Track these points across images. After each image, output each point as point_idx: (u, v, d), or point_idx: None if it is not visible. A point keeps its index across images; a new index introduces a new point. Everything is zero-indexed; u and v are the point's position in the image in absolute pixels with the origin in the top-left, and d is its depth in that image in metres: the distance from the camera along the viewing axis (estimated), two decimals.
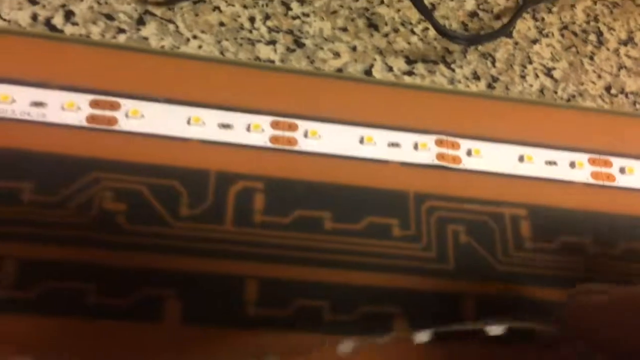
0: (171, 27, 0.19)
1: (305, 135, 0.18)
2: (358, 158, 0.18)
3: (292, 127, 0.18)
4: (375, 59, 0.20)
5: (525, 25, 0.22)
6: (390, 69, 0.20)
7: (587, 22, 0.23)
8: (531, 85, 0.21)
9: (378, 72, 0.20)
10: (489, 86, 0.21)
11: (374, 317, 0.16)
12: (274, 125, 0.18)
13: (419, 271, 0.17)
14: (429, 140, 0.19)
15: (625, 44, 0.23)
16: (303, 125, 0.18)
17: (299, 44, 0.20)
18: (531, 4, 0.22)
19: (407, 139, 0.19)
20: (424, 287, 0.17)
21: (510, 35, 0.22)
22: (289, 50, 0.20)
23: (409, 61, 0.21)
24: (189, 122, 0.17)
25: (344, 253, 0.17)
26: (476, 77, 0.21)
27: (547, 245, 0.18)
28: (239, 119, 0.18)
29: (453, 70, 0.21)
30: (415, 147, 0.19)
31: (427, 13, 0.19)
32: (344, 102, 0.19)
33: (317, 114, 0.19)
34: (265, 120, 0.18)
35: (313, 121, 0.18)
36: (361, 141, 0.18)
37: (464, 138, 0.19)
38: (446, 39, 0.20)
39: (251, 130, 0.17)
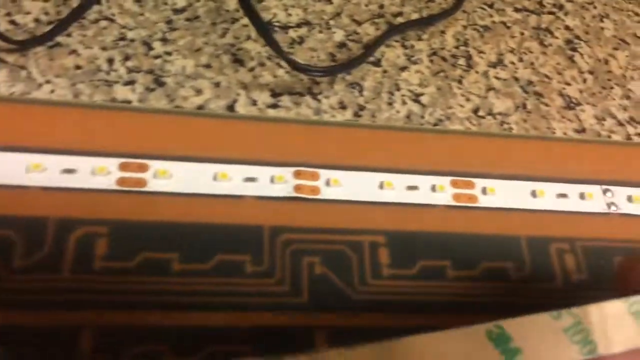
0: (23, 73, 0.19)
1: (155, 175, 0.18)
2: (211, 195, 0.18)
3: (142, 168, 0.18)
4: (239, 94, 0.20)
5: (394, 54, 0.23)
6: (254, 102, 0.20)
7: (457, 47, 0.24)
8: (398, 112, 0.21)
9: (242, 107, 0.20)
10: (355, 115, 0.21)
11: (221, 358, 0.16)
12: (123, 167, 0.18)
13: (270, 307, 0.17)
14: (286, 172, 0.19)
15: (494, 66, 0.23)
16: (154, 165, 0.18)
17: (160, 82, 0.20)
18: (395, 33, 0.23)
19: (264, 172, 0.19)
20: (276, 322, 0.17)
21: (378, 64, 0.22)
22: (148, 89, 0.20)
23: (275, 94, 0.21)
24: (27, 170, 0.17)
25: (191, 294, 0.16)
26: (343, 106, 0.21)
27: (406, 271, 0.18)
28: (84, 163, 0.17)
29: (319, 101, 0.21)
30: (272, 180, 0.19)
31: (277, 49, 0.19)
32: (200, 139, 0.19)
33: (170, 153, 0.18)
34: (112, 163, 0.18)
35: (165, 160, 0.18)
36: (215, 178, 0.18)
37: (324, 168, 0.19)
38: (301, 72, 0.20)
39: (96, 173, 0.17)
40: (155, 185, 0.17)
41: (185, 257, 0.17)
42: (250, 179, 0.18)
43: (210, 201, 0.18)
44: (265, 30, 0.19)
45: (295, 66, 0.19)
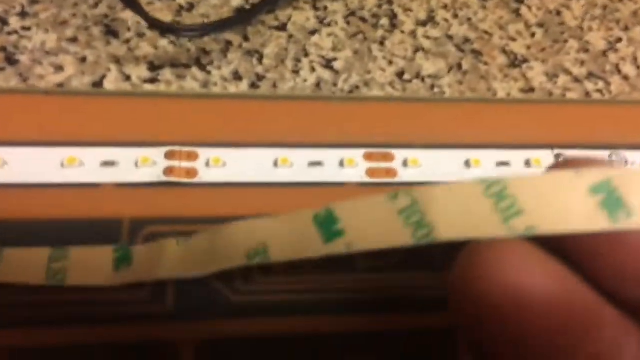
0: None
1: None
2: (57, 185, 0.15)
3: None
4: (109, 69, 0.17)
5: (303, 17, 0.20)
6: (128, 78, 0.17)
7: (379, 6, 0.20)
8: (305, 80, 0.18)
9: (111, 83, 0.17)
10: (253, 86, 0.18)
11: None
12: None
13: (124, 318, 0.13)
14: (155, 153, 0.15)
15: (424, 24, 0.20)
16: None
17: (12, 61, 0.17)
18: None
19: (127, 155, 0.15)
20: (131, 337, 0.13)
21: (283, 29, 0.19)
22: None
23: (153, 67, 0.17)
24: None
25: (22, 307, 0.13)
26: (237, 77, 0.18)
27: (303, 263, 0.15)
28: None
29: (208, 73, 0.18)
30: (136, 163, 0.15)
31: (135, 6, 0.16)
32: (49, 121, 0.16)
33: (11, 137, 0.15)
34: None
35: (1, 147, 0.15)
36: (62, 164, 0.15)
37: (206, 147, 0.16)
38: (164, 33, 0.17)
39: None
40: None
41: None
42: (109, 164, 0.15)
43: (57, 192, 0.15)
44: None
45: (156, 25, 0.16)
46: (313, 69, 0.18)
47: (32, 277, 0.13)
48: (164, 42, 0.18)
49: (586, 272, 0.09)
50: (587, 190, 0.08)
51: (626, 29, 0.21)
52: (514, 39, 0.20)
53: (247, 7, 0.19)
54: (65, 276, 0.13)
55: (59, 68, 0.17)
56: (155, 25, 0.16)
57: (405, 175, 0.16)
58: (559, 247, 0.09)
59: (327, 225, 0.10)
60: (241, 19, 0.17)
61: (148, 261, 0.12)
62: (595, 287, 0.09)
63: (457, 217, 0.09)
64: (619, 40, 0.21)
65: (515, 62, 0.20)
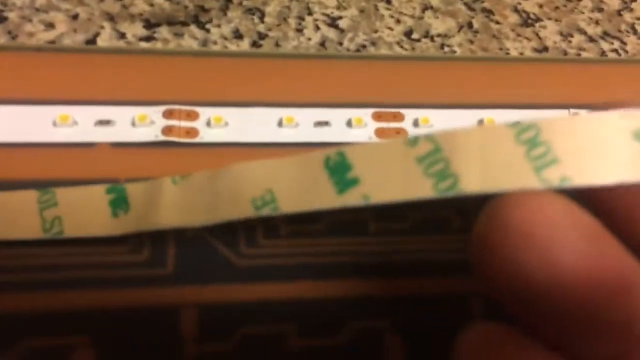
0: None
1: None
2: (50, 144, 0.14)
3: None
4: (102, 27, 0.16)
5: None
6: (123, 35, 0.16)
7: None
8: (309, 39, 0.17)
9: (105, 41, 0.16)
10: (254, 45, 0.17)
11: (46, 353, 0.12)
12: None
13: (122, 283, 0.12)
14: (153, 112, 0.15)
15: None
16: None
17: (0, 18, 0.16)
18: None
19: (123, 113, 0.14)
20: (129, 302, 0.12)
21: None
22: None
23: (149, 25, 0.17)
24: None
25: (16, 270, 0.12)
26: (238, 35, 0.17)
27: (312, 226, 0.14)
28: None
29: (207, 31, 0.17)
30: (133, 122, 0.14)
31: None
32: (41, 78, 0.15)
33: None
34: None
35: None
36: (54, 123, 0.14)
37: (206, 106, 0.15)
38: None
39: None
40: None
41: None
42: (104, 122, 0.14)
43: (49, 152, 0.14)
44: None
45: None
46: (317, 28, 0.17)
47: (26, 231, 0.12)
48: None
49: (623, 228, 0.08)
50: (632, 134, 0.08)
51: None
52: None
53: None
54: (62, 227, 0.12)
55: (50, 25, 0.16)
56: None
57: (416, 134, 0.15)
58: (595, 199, 0.08)
59: (340, 171, 0.09)
60: None
61: (146, 205, 0.11)
62: (630, 247, 0.08)
63: (485, 166, 0.08)
64: None
65: (528, 20, 0.19)
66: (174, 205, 0.11)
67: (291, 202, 0.10)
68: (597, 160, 0.08)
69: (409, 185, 0.08)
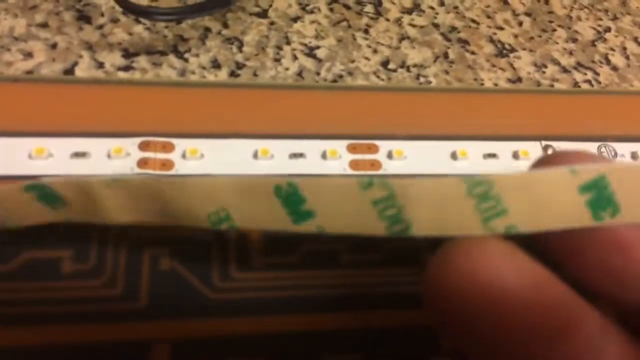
0: None
1: None
2: (25, 177, 0.14)
3: None
4: (81, 56, 0.16)
5: (284, 3, 0.19)
6: (101, 65, 0.16)
7: None
8: (287, 69, 0.17)
9: (83, 71, 0.16)
10: (232, 75, 0.17)
11: None
12: None
13: (95, 317, 0.13)
14: (129, 144, 0.15)
15: (409, 12, 0.20)
16: None
17: None
18: None
19: (98, 145, 0.15)
20: (101, 337, 0.13)
21: (264, 16, 0.19)
22: None
23: (128, 54, 0.17)
24: None
25: None
26: (216, 65, 0.17)
27: (285, 258, 0.14)
28: None
29: (186, 60, 0.17)
30: (108, 154, 0.15)
31: None
32: (16, 110, 0.15)
33: None
34: None
35: None
36: (30, 156, 0.14)
37: (182, 137, 0.15)
38: (139, 16, 0.16)
39: None
40: None
41: None
42: (80, 154, 0.14)
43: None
44: None
45: (129, 8, 0.15)
46: (295, 57, 0.18)
47: None
48: (139, 28, 0.17)
49: (568, 270, 0.09)
50: (577, 189, 0.08)
51: (615, 18, 0.21)
52: (501, 28, 0.20)
53: None
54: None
55: (28, 55, 0.16)
56: (129, 8, 0.15)
57: (390, 167, 0.16)
58: (540, 246, 0.09)
59: (294, 203, 0.09)
60: (220, 2, 0.16)
61: (86, 203, 0.11)
62: (575, 287, 0.08)
63: (436, 216, 0.09)
64: (608, 29, 0.21)
65: (503, 51, 0.19)
66: (120, 204, 0.11)
67: (247, 221, 0.10)
68: (544, 211, 0.08)
69: (364, 224, 0.09)
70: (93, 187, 0.11)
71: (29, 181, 0.11)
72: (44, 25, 0.17)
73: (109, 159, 0.14)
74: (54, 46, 0.16)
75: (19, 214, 0.12)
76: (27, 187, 0.11)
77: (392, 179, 0.09)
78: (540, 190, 0.08)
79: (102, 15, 0.17)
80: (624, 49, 0.20)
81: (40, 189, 0.11)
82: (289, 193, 0.09)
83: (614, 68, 0.19)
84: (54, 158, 0.14)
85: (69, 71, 0.16)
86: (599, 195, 0.08)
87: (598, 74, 0.19)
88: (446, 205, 0.08)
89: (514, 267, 0.08)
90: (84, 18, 0.17)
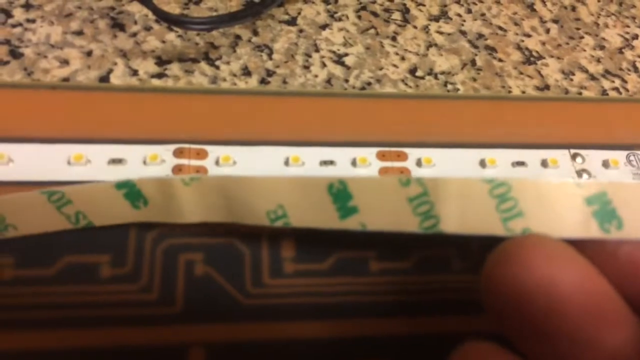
0: None
1: None
2: (63, 182, 0.14)
3: None
4: (115, 63, 0.17)
5: (313, 10, 0.19)
6: (135, 72, 0.17)
7: (391, 0, 0.20)
8: (316, 76, 0.18)
9: (118, 78, 0.16)
10: (262, 82, 0.17)
11: None
12: None
13: (132, 321, 0.13)
14: (164, 151, 0.15)
15: (437, 19, 0.20)
16: None
17: (16, 54, 0.16)
18: None
19: (135, 152, 0.15)
20: (138, 340, 0.13)
21: (293, 23, 0.19)
22: (1, 63, 0.16)
23: (161, 62, 0.17)
24: None
25: (28, 308, 0.13)
26: (247, 72, 0.17)
27: (316, 265, 0.14)
28: None
29: (217, 68, 0.17)
30: (144, 161, 0.15)
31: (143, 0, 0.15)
32: (56, 117, 0.15)
33: (15, 134, 0.15)
34: None
35: (2, 143, 0.15)
36: (69, 162, 0.14)
37: (215, 144, 0.16)
38: (171, 26, 0.17)
39: None
40: None
41: (22, 262, 0.13)
42: (116, 161, 0.15)
43: None
44: None
45: (163, 17, 0.15)
46: (324, 65, 0.18)
47: (54, 224, 0.13)
48: (171, 36, 0.17)
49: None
50: (584, 200, 0.09)
51: None
52: (528, 35, 0.20)
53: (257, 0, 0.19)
54: (89, 219, 0.13)
55: (65, 62, 0.16)
56: (163, 17, 0.15)
57: (419, 174, 0.16)
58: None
59: (342, 199, 0.10)
60: (251, 12, 0.16)
61: (164, 201, 0.12)
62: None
63: (462, 213, 0.09)
64: (635, 37, 0.21)
65: (530, 58, 0.19)
66: (193, 203, 0.12)
67: (301, 219, 0.11)
68: (555, 218, 0.09)
69: (399, 220, 0.10)
70: (173, 185, 0.12)
71: (120, 181, 0.13)
72: (79, 33, 0.17)
73: (144, 165, 0.15)
74: (89, 53, 0.17)
75: (105, 212, 0.13)
76: (119, 185, 0.13)
77: (425, 177, 0.10)
78: (552, 197, 0.09)
79: (136, 23, 0.18)
80: None
81: (131, 187, 0.13)
82: (339, 190, 0.10)
83: None
84: (91, 164, 0.14)
85: (104, 78, 0.16)
86: (604, 208, 0.09)
87: (626, 82, 0.19)
88: (471, 203, 0.09)
89: (569, 263, 0.09)
90: (118, 26, 0.17)
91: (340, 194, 0.10)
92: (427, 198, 0.10)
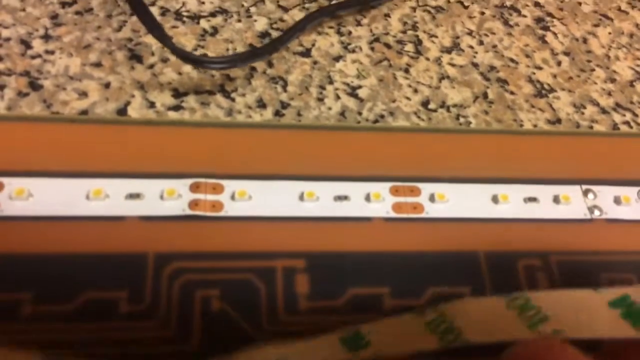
0: None
1: (10, 196, 0.14)
2: (82, 217, 0.14)
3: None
4: (133, 95, 0.17)
5: (327, 42, 0.19)
6: (152, 104, 0.17)
7: (404, 32, 0.20)
8: (330, 109, 0.18)
9: (135, 111, 0.17)
10: (277, 114, 0.17)
11: None
12: None
13: (149, 357, 0.13)
14: (181, 185, 0.15)
15: (449, 51, 0.20)
16: (12, 183, 0.15)
17: (35, 86, 0.17)
18: (324, 15, 0.19)
19: (152, 186, 0.15)
20: None
21: (307, 55, 0.19)
22: (21, 94, 0.16)
23: (178, 94, 0.17)
24: None
25: (45, 345, 0.13)
26: (262, 105, 0.17)
27: (331, 302, 0.14)
28: None
29: (233, 100, 0.17)
30: (161, 196, 0.15)
31: (162, 37, 0.16)
32: (74, 150, 0.16)
33: (30, 167, 0.15)
34: None
35: (24, 177, 0.15)
36: (87, 196, 0.15)
37: (231, 179, 0.16)
38: (194, 66, 0.17)
39: None
40: (10, 208, 0.14)
41: (41, 297, 0.13)
42: (134, 196, 0.15)
43: (81, 225, 0.14)
44: (141, 10, 0.16)
45: (184, 56, 0.15)
46: (338, 97, 0.18)
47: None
48: (188, 68, 0.18)
49: None
50: (607, 304, 0.10)
51: None
52: (540, 68, 0.20)
53: (271, 31, 0.19)
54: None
55: (83, 94, 0.17)
56: (183, 57, 0.16)
57: (432, 210, 0.16)
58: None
59: (353, 342, 0.11)
60: (268, 49, 0.17)
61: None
62: None
63: (483, 324, 0.10)
64: None
65: (542, 91, 0.19)
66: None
67: None
68: (583, 320, 0.10)
69: (416, 340, 0.11)
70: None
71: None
72: (97, 65, 0.17)
73: (161, 200, 0.15)
74: (107, 85, 0.17)
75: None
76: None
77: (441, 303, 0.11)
78: (573, 303, 0.10)
79: (153, 54, 0.18)
80: None
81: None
82: (350, 337, 0.11)
83: None
84: (110, 199, 0.15)
85: (122, 111, 0.17)
86: (630, 309, 0.09)
87: (637, 115, 0.19)
88: (491, 315, 0.10)
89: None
90: (135, 57, 0.18)
91: (352, 339, 0.11)
92: (445, 318, 0.10)
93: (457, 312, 0.10)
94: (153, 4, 0.19)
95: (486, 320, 0.10)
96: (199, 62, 0.15)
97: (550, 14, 0.22)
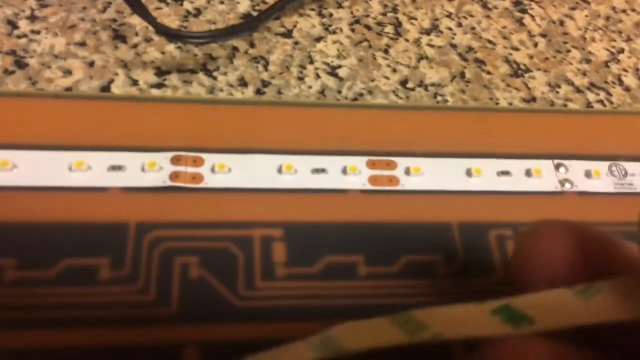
0: None
1: None
2: (65, 188, 0.15)
3: None
4: (116, 74, 0.17)
5: (308, 23, 0.20)
6: (135, 82, 0.17)
7: (384, 14, 0.21)
8: (310, 87, 0.18)
9: (118, 88, 0.17)
10: (258, 92, 0.18)
11: None
12: None
13: (130, 321, 0.13)
14: (161, 158, 0.16)
15: (428, 33, 0.20)
16: None
17: (21, 64, 0.17)
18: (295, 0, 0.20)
19: (133, 159, 0.16)
20: (134, 339, 0.13)
21: (289, 35, 0.19)
22: (6, 72, 0.17)
23: (160, 72, 0.18)
24: None
25: (27, 308, 0.13)
26: (243, 83, 0.18)
27: (306, 269, 0.15)
28: None
29: (215, 78, 0.18)
30: (142, 168, 0.15)
31: (143, 13, 0.16)
32: (55, 125, 0.16)
33: (18, 140, 0.15)
34: None
35: (10, 150, 0.15)
36: (70, 168, 0.15)
37: (210, 152, 0.16)
38: (171, 40, 0.17)
39: None
40: None
41: (23, 263, 0.14)
42: (116, 168, 0.15)
43: (64, 195, 0.15)
44: None
45: (163, 31, 0.16)
46: (318, 76, 0.18)
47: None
48: (171, 47, 0.18)
49: None
50: (489, 312, 0.10)
51: (628, 39, 0.22)
52: (517, 49, 0.20)
53: (254, 13, 0.20)
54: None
55: (68, 72, 0.17)
56: (163, 31, 0.16)
57: (407, 183, 0.16)
58: None
59: (327, 346, 0.11)
60: (248, 26, 0.17)
61: None
62: None
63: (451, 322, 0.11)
64: (621, 51, 0.21)
65: (518, 71, 0.20)
66: None
67: None
68: (464, 323, 0.10)
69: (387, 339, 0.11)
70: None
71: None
72: (82, 44, 0.18)
73: (143, 172, 0.15)
74: (91, 64, 0.17)
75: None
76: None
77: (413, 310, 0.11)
78: (455, 313, 0.10)
79: (137, 34, 0.18)
80: (637, 70, 0.21)
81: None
82: (324, 344, 0.11)
83: (627, 89, 0.20)
84: (92, 171, 0.15)
85: (106, 88, 0.17)
86: (511, 315, 0.10)
87: (610, 95, 0.20)
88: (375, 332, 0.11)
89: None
90: (119, 37, 0.18)
91: (324, 345, 0.11)
92: (415, 319, 0.11)
93: (428, 315, 0.11)
94: None
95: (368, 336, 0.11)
96: (178, 36, 0.16)
97: None
